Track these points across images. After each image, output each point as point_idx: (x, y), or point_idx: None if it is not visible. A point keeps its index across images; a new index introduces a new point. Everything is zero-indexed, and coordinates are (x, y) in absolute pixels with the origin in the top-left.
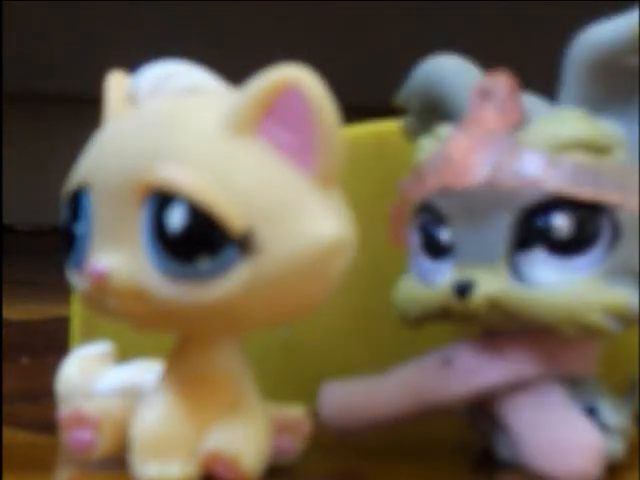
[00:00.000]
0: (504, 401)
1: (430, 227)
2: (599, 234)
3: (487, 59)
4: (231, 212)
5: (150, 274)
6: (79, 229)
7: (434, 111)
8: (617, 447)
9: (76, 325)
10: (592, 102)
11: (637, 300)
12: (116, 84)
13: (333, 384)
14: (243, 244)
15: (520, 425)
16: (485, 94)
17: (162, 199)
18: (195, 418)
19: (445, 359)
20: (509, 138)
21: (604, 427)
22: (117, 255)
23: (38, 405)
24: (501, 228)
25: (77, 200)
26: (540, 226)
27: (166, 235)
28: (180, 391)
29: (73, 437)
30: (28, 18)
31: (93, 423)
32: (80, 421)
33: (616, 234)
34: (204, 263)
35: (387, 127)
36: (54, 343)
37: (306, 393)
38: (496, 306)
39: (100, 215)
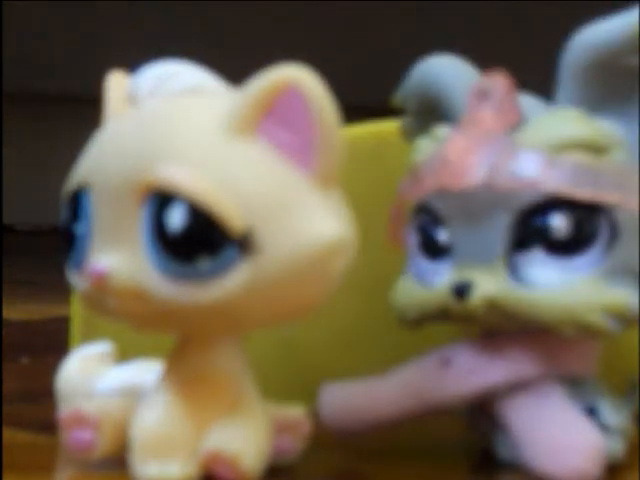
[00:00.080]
0: (504, 401)
1: (428, 228)
2: (597, 234)
3: (486, 59)
4: (231, 212)
5: (150, 274)
6: (79, 229)
7: (431, 111)
8: (617, 447)
9: (76, 325)
10: (590, 102)
11: (637, 300)
12: (116, 84)
13: (333, 385)
14: (243, 244)
15: (520, 425)
16: (482, 95)
17: (162, 199)
18: (195, 418)
19: (445, 359)
20: (507, 139)
21: (604, 427)
22: (117, 255)
23: (38, 405)
24: (499, 228)
25: (77, 200)
26: (538, 226)
27: (166, 235)
28: (180, 391)
29: (73, 437)
30: (28, 18)
31: (93, 423)
32: (80, 421)
33: (614, 234)
34: (204, 263)
35: (387, 127)
36: (54, 343)
37: (306, 393)
38: (495, 307)
39: (100, 215)
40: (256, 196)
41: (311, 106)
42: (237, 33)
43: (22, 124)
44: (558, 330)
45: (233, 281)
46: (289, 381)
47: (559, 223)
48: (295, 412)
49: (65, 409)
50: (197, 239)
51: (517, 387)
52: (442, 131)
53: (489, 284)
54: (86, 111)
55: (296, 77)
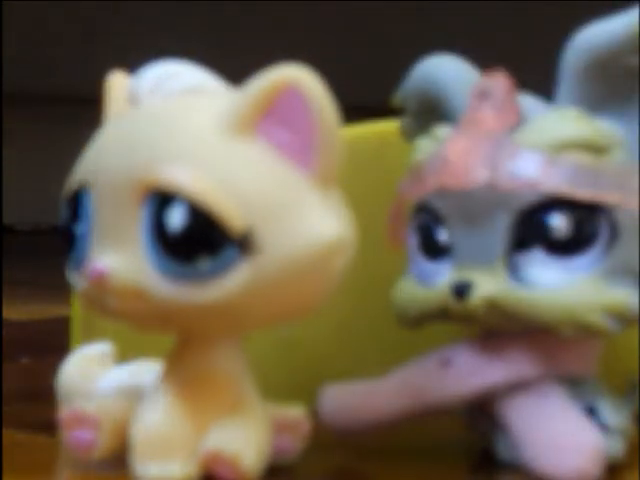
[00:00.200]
0: (504, 401)
1: (428, 228)
2: (597, 234)
3: (486, 59)
4: (231, 212)
5: (150, 274)
6: (79, 229)
7: (431, 111)
8: (617, 447)
9: (76, 325)
10: (590, 102)
11: (637, 300)
12: (116, 84)
13: (333, 385)
14: (243, 244)
15: (520, 425)
16: (483, 95)
17: (162, 199)
18: (195, 418)
19: (445, 360)
20: (507, 139)
21: (604, 427)
22: (117, 255)
23: (38, 405)
24: (499, 229)
25: (77, 200)
26: (538, 226)
27: (166, 235)
28: (180, 391)
29: (73, 437)
30: (28, 18)
31: (93, 423)
32: (80, 421)
33: (614, 234)
34: (204, 263)
35: (387, 127)
36: (54, 343)
37: (306, 393)
38: (495, 307)
39: (100, 215)
40: (256, 196)
41: (311, 106)
42: (237, 33)
43: (22, 124)
44: (558, 330)
45: (233, 281)
46: (289, 381)
47: (559, 223)
48: (295, 412)
49: (65, 409)
50: (197, 239)
51: (517, 387)
52: (442, 131)
53: (489, 284)
54: (86, 111)
55: (296, 77)
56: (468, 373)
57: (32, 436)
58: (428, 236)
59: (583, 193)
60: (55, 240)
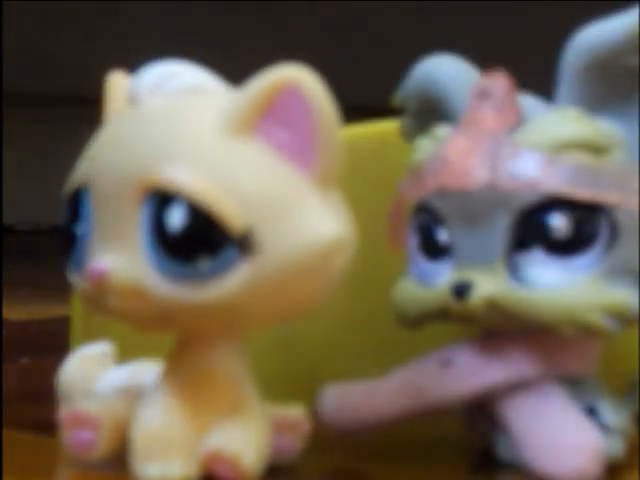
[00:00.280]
0: (504, 401)
1: (428, 228)
2: (597, 234)
3: (486, 59)
4: (231, 212)
5: (150, 274)
6: (79, 229)
7: (431, 111)
8: (617, 447)
9: (76, 325)
10: (590, 102)
11: (637, 300)
12: (116, 84)
13: (333, 385)
14: (243, 244)
15: (520, 425)
16: (483, 95)
17: (162, 199)
18: (195, 418)
19: (445, 360)
20: (507, 139)
21: (604, 427)
22: (117, 255)
23: (38, 405)
24: (499, 229)
25: (77, 200)
26: (538, 226)
27: (166, 235)
28: (180, 391)
29: (73, 437)
30: (28, 18)
31: (93, 423)
32: (80, 421)
33: (614, 234)
34: (204, 263)
35: (387, 127)
36: (54, 343)
37: (306, 393)
38: (495, 307)
39: (100, 215)
40: (256, 196)
41: (311, 106)
42: (237, 33)
43: (22, 124)
44: (558, 330)
45: (233, 281)
46: (289, 381)
47: (559, 223)
48: (295, 412)
49: (65, 409)
50: (197, 239)
51: (517, 387)
52: (442, 131)
53: (489, 284)
54: (86, 111)
55: (296, 77)
56: (468, 373)
57: (32, 436)
58: (428, 236)
59: (583, 193)
60: (55, 240)
